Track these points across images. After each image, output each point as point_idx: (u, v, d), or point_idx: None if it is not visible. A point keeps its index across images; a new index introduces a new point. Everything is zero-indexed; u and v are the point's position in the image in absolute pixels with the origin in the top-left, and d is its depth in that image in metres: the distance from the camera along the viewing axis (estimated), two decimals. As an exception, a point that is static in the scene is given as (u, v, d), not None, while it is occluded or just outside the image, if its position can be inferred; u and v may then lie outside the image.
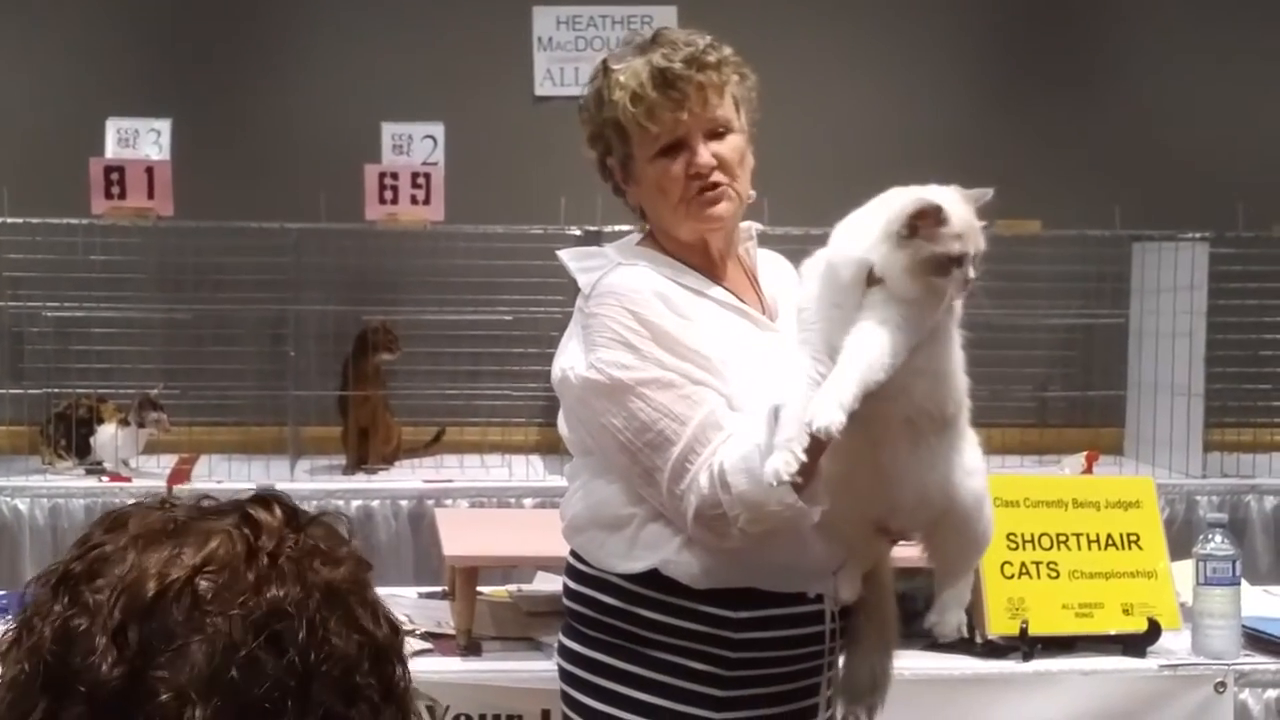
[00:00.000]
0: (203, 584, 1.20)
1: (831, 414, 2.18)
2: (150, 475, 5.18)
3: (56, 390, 5.36)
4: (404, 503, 5.15)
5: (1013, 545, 3.41)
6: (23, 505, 5.02)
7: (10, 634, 1.24)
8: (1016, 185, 6.10)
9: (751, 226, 2.70)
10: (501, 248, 5.49)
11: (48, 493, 5.06)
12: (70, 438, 5.25)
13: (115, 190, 5.18)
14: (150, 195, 5.19)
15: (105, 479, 5.16)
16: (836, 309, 2.28)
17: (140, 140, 5.30)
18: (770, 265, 2.73)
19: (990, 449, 5.67)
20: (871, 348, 2.22)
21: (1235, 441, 5.58)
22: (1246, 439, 5.62)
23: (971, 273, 2.27)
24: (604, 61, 2.55)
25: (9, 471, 5.22)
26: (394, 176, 5.32)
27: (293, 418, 5.45)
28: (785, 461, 2.23)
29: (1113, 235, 5.67)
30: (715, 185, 2.50)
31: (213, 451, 5.42)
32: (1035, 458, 5.60)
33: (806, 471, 2.28)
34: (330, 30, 6.08)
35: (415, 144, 5.43)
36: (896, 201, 2.28)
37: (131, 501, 1.32)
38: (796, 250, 5.40)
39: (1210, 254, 5.39)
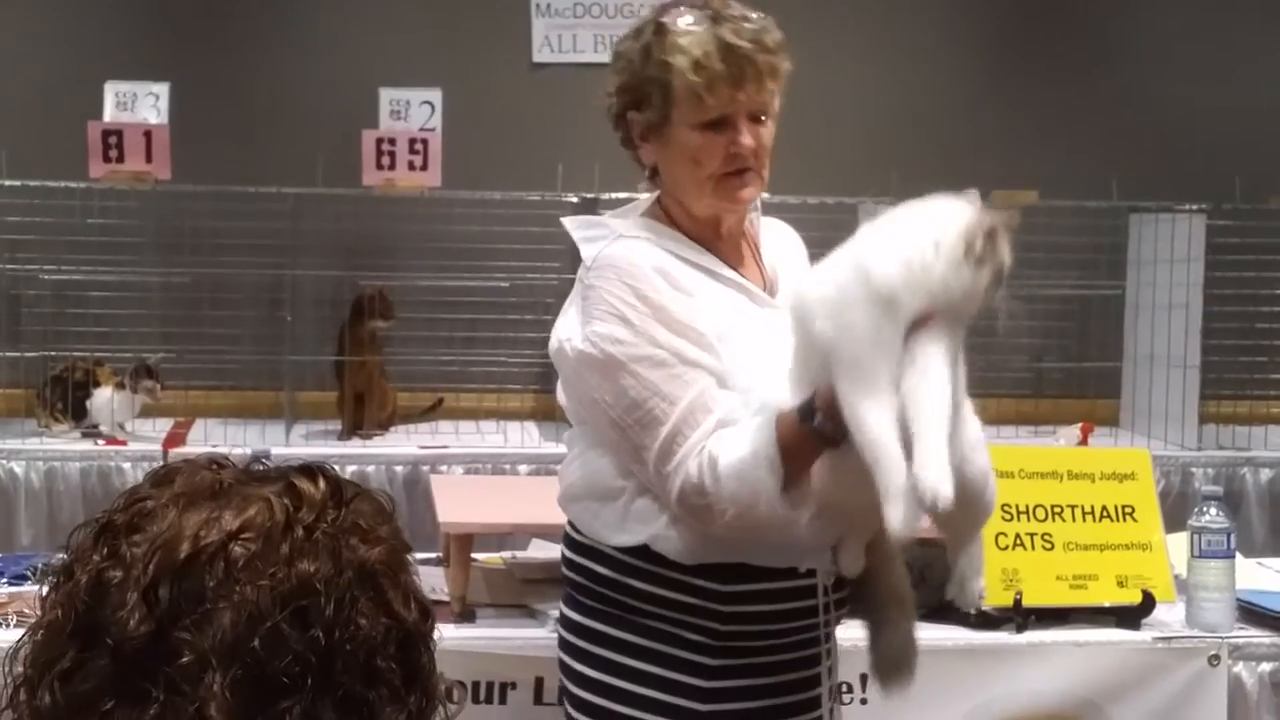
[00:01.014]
0: (236, 550, 1.20)
1: (946, 483, 2.15)
2: (146, 439, 5.19)
3: (53, 353, 5.36)
4: (399, 469, 5.15)
5: (1007, 517, 3.41)
6: (18, 468, 5.02)
7: (52, 578, 1.25)
8: (1014, 156, 6.13)
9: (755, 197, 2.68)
10: (499, 214, 5.48)
11: (44, 456, 5.06)
12: (67, 401, 5.25)
13: (113, 154, 5.16)
14: (148, 159, 5.18)
15: (101, 442, 5.16)
16: (891, 340, 2.22)
17: (138, 104, 5.29)
18: (773, 234, 2.72)
19: (986, 420, 5.67)
20: (945, 395, 2.20)
21: (1231, 414, 5.59)
22: (1242, 411, 5.63)
23: None
24: (657, 19, 2.50)
25: (5, 434, 5.22)
26: (391, 142, 5.31)
27: (289, 383, 5.45)
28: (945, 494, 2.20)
29: (1110, 206, 5.67)
30: (747, 169, 2.50)
31: (209, 415, 5.41)
32: (1031, 429, 5.61)
33: (794, 477, 2.32)
34: (328, -5, 6.06)
35: (413, 110, 5.42)
36: (961, 220, 2.22)
37: (179, 461, 1.31)
38: (793, 219, 5.38)
39: (1207, 226, 5.39)
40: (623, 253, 2.48)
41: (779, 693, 2.55)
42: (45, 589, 1.25)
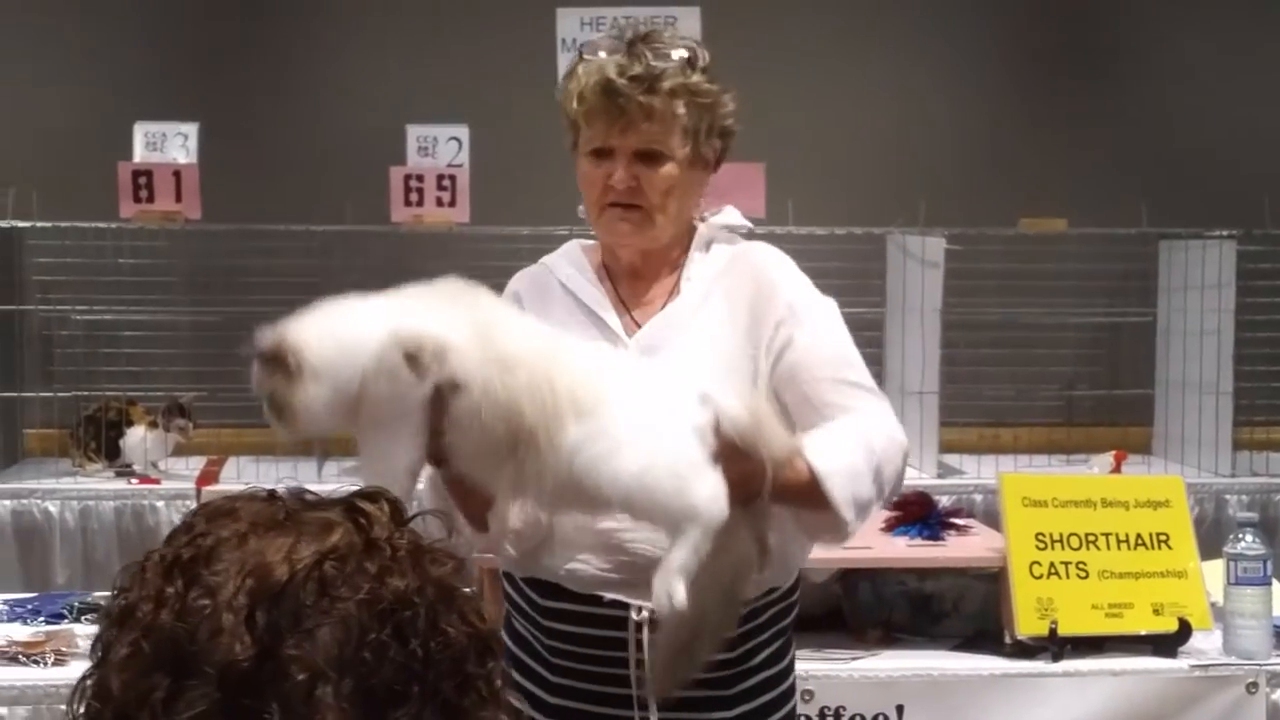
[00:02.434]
0: (329, 570, 1.22)
1: None
2: (179, 477, 5.20)
3: (86, 393, 5.38)
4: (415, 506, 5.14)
5: (1041, 545, 3.40)
6: (53, 507, 5.05)
7: (110, 618, 1.25)
8: (1042, 183, 6.14)
9: (709, 228, 2.61)
10: (527, 249, 5.44)
11: (78, 495, 5.08)
12: (100, 440, 5.27)
13: (143, 194, 5.19)
14: (178, 199, 5.20)
15: (134, 481, 5.18)
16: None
17: (168, 144, 5.31)
18: (718, 270, 2.57)
19: (1017, 448, 5.70)
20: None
21: (1265, 440, 5.56)
22: (1276, 437, 5.60)
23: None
24: (584, 45, 2.52)
25: (40, 474, 5.25)
26: (419, 179, 5.33)
27: (321, 420, 5.46)
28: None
29: (1139, 233, 5.66)
30: (630, 206, 2.48)
31: (241, 453, 5.42)
32: (1063, 457, 5.59)
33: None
34: (355, 33, 6.10)
35: (440, 146, 5.43)
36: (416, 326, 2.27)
37: (228, 496, 1.32)
38: (821, 249, 5.39)
39: (1238, 251, 5.37)
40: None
41: None
42: (107, 628, 1.25)
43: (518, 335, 2.28)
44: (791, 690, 2.64)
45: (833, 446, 2.34)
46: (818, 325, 2.50)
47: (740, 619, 2.47)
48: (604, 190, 2.48)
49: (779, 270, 2.55)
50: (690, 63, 2.47)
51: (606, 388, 2.25)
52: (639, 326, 2.55)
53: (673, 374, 2.37)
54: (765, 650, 2.56)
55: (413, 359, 2.19)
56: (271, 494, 1.31)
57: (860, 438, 2.37)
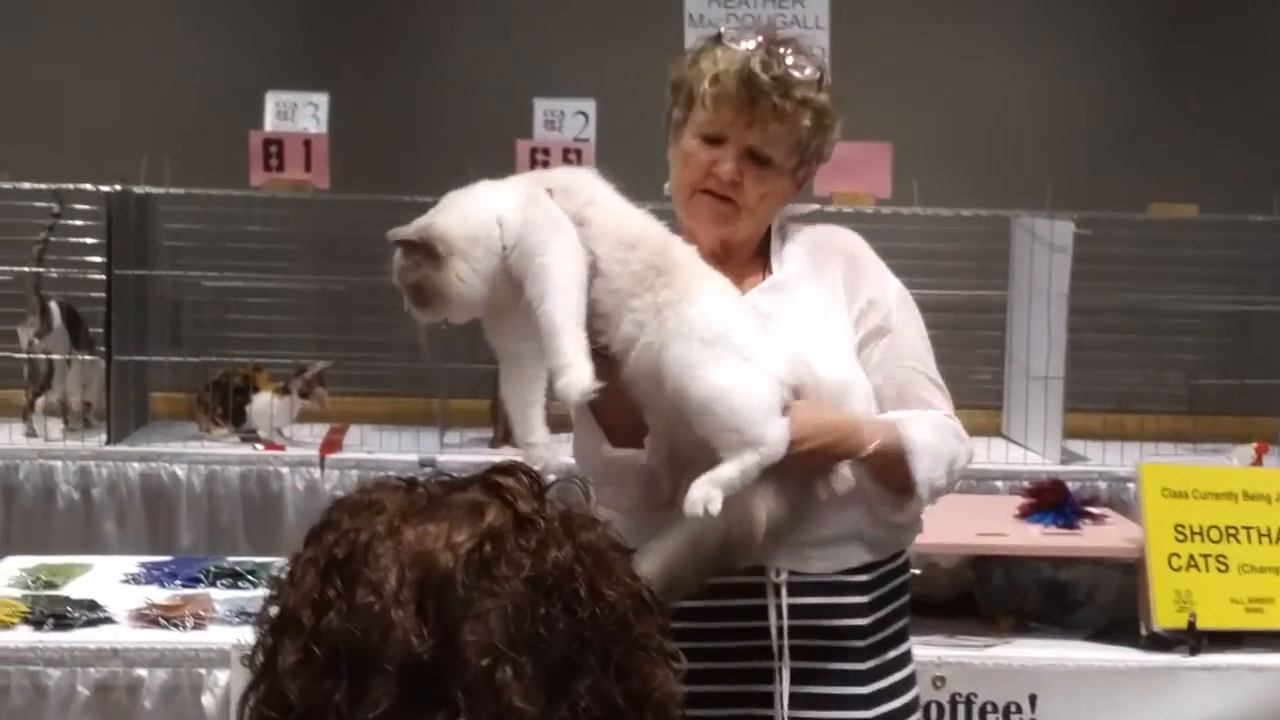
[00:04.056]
0: (489, 551, 1.22)
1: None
2: (303, 444, 5.25)
3: (213, 359, 5.45)
4: (551, 476, 5.15)
5: (1181, 537, 3.37)
6: (180, 471, 5.09)
7: (270, 625, 1.25)
8: (1173, 168, 6.05)
9: (787, 214, 2.65)
10: (652, 224, 5.48)
11: (204, 459, 5.12)
12: (226, 406, 5.33)
13: (274, 163, 5.23)
14: (308, 168, 5.24)
15: (259, 447, 5.23)
16: None
17: (298, 113, 5.35)
18: (803, 251, 2.62)
19: (1143, 435, 5.61)
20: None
21: (1398, 433, 5.46)
22: None
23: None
24: (722, 30, 2.57)
25: (167, 437, 5.31)
26: (546, 152, 5.33)
27: (441, 389, 5.50)
28: None
29: (1271, 220, 5.56)
30: (724, 198, 2.52)
31: (363, 422, 5.47)
32: (1189, 446, 5.52)
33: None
34: (485, 6, 6.12)
35: (567, 120, 5.44)
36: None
37: (362, 489, 1.31)
38: (945, 230, 5.34)
39: (1373, 240, 5.28)
40: None
41: (723, 704, 2.46)
42: (265, 636, 1.25)
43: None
44: (913, 677, 2.62)
45: (926, 429, 2.47)
46: (905, 314, 2.60)
47: (871, 581, 2.50)
48: (705, 175, 2.52)
49: (866, 253, 2.64)
50: (819, 82, 2.53)
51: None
52: None
53: (768, 324, 2.49)
54: (897, 622, 2.56)
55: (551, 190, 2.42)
56: (410, 481, 1.31)
57: (944, 430, 2.50)
